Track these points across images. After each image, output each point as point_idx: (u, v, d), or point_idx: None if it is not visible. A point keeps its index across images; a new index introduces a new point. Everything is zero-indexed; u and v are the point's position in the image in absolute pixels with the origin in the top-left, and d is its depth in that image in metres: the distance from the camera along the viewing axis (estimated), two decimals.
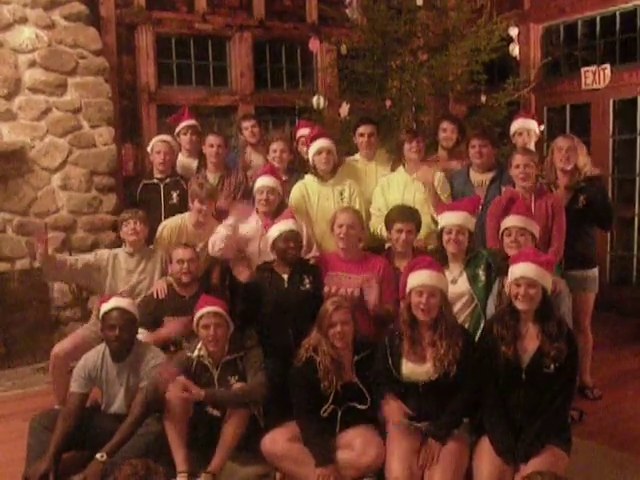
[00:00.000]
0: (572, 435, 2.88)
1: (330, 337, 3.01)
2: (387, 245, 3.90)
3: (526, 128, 4.27)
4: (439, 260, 3.24)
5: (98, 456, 2.95)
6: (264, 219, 3.86)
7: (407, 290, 2.96)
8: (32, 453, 3.11)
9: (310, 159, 4.15)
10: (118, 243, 4.26)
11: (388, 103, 5.18)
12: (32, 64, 4.68)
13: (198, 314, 3.22)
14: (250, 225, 3.94)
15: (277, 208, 3.90)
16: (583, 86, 5.81)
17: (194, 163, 4.66)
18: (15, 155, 4.60)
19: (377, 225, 4.01)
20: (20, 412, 3.82)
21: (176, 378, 3.04)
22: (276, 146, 4.36)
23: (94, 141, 4.93)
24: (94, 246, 4.77)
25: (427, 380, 2.90)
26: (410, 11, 5.20)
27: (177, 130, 4.73)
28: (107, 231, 4.97)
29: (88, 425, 3.20)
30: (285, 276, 3.57)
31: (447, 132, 4.39)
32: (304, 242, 3.75)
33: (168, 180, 4.42)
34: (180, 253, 3.68)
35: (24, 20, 4.64)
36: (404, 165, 4.16)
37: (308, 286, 3.54)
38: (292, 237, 3.55)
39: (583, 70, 5.80)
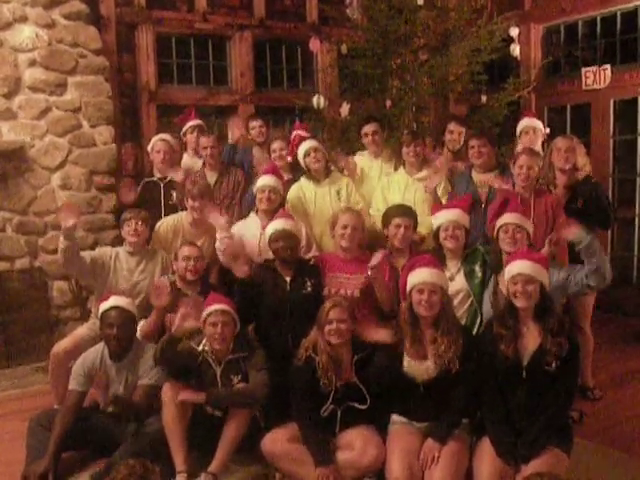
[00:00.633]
0: (573, 436, 2.87)
1: (326, 334, 3.01)
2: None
3: (532, 127, 4.27)
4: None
5: None
6: (264, 218, 3.86)
7: (408, 289, 2.95)
8: (31, 453, 3.11)
9: (302, 162, 4.19)
10: (119, 242, 4.24)
11: (388, 103, 5.18)
12: (32, 63, 4.67)
13: (206, 311, 3.20)
14: (248, 225, 3.96)
15: (278, 207, 3.91)
16: (583, 86, 5.82)
17: (199, 162, 4.67)
18: (15, 154, 4.59)
19: (378, 225, 3.99)
20: (19, 412, 3.82)
21: (180, 393, 3.05)
22: (276, 145, 4.41)
23: (94, 140, 4.92)
24: (94, 245, 4.75)
25: (427, 378, 2.90)
26: (411, 11, 5.21)
27: (183, 130, 4.80)
28: (107, 230, 4.96)
29: (87, 424, 3.19)
30: (288, 279, 3.56)
31: (454, 134, 4.40)
32: (303, 242, 3.75)
33: (168, 179, 4.44)
34: (186, 250, 3.66)
35: (24, 19, 4.63)
36: (404, 166, 4.17)
37: (310, 289, 3.53)
38: (282, 236, 3.55)
39: (584, 70, 5.81)
